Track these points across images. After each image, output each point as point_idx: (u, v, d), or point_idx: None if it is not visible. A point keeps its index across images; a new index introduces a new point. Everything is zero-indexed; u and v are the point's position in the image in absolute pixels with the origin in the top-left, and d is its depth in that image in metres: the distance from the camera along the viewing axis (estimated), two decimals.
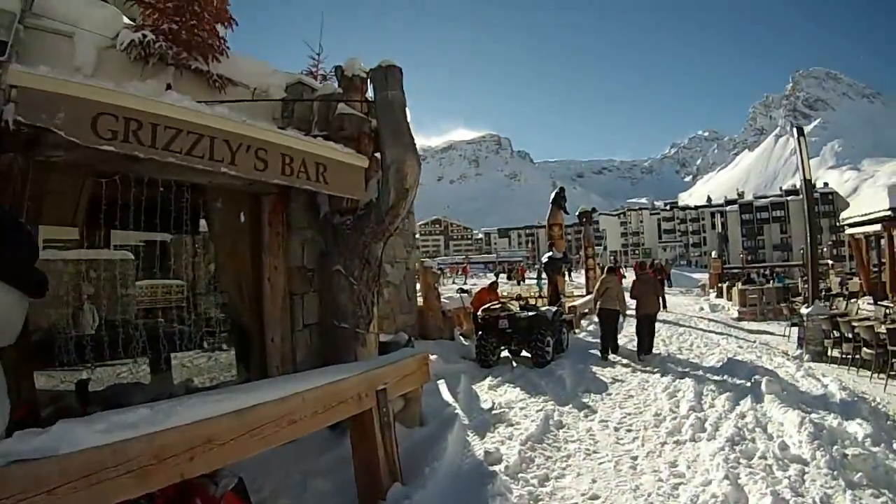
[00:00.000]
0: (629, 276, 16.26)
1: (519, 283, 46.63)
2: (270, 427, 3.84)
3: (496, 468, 6.02)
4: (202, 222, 7.42)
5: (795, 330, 14.88)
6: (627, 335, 14.91)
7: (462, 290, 18.36)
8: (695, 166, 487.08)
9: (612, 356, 12.98)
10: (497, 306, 13.33)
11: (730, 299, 26.62)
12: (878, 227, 16.64)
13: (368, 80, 7.84)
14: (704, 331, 17.96)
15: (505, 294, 22.13)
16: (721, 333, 17.31)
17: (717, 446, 6.35)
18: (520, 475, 5.96)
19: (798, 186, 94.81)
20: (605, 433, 7.44)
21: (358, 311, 7.10)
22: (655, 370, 11.15)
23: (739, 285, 25.87)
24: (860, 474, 5.47)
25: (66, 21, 6.22)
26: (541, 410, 8.29)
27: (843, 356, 12.16)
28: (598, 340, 13.95)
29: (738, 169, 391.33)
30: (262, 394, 3.97)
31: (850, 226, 18.47)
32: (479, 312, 13.26)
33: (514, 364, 12.36)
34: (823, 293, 16.34)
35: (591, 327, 17.54)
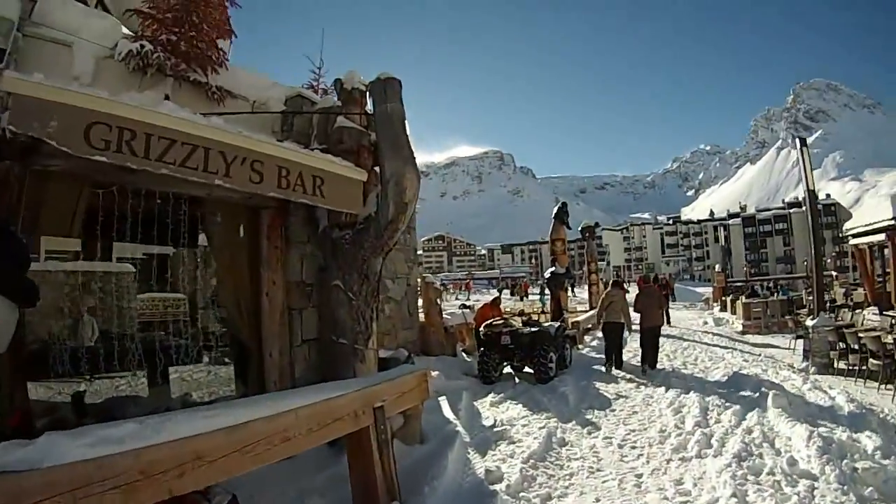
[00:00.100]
0: (633, 291, 16.16)
1: (522, 299, 46.50)
2: (263, 444, 3.75)
3: (497, 487, 5.89)
4: (201, 236, 7.37)
5: (801, 342, 14.75)
6: (631, 350, 14.81)
7: (464, 306, 18.27)
8: (697, 180, 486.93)
9: (616, 371, 12.85)
10: (499, 322, 13.23)
11: (734, 313, 26.44)
12: (881, 236, 16.50)
13: (367, 93, 7.76)
14: (709, 345, 17.84)
15: (508, 310, 22.03)
16: (726, 347, 17.18)
17: (724, 462, 6.20)
18: (521, 494, 5.83)
19: (800, 199, 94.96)
20: (609, 450, 7.26)
21: (357, 327, 7.00)
22: (660, 385, 10.98)
23: (743, 298, 25.67)
24: (871, 489, 5.34)
25: (65, 30, 6.25)
26: (543, 427, 8.12)
27: (850, 367, 11.97)
28: (602, 356, 13.99)
29: (741, 182, 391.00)
30: (254, 410, 3.88)
31: (854, 236, 18.34)
32: (482, 328, 13.15)
33: (517, 380, 12.16)
34: (828, 304, 16.19)
35: (594, 343, 17.43)
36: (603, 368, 13.21)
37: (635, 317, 13.84)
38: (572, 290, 33.70)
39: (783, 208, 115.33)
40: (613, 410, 9.31)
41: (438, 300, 14.98)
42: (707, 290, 45.42)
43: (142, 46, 6.65)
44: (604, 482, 6.18)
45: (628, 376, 12.19)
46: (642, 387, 11.09)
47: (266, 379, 6.96)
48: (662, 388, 10.63)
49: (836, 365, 12.68)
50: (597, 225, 30.38)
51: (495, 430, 8.19)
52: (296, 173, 6.03)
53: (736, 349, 16.76)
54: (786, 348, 16.65)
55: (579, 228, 27.60)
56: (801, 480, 5.62)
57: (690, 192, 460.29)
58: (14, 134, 4.17)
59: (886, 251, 17.07)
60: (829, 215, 74.73)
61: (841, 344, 12.37)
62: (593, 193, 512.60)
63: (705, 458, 6.61)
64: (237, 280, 7.02)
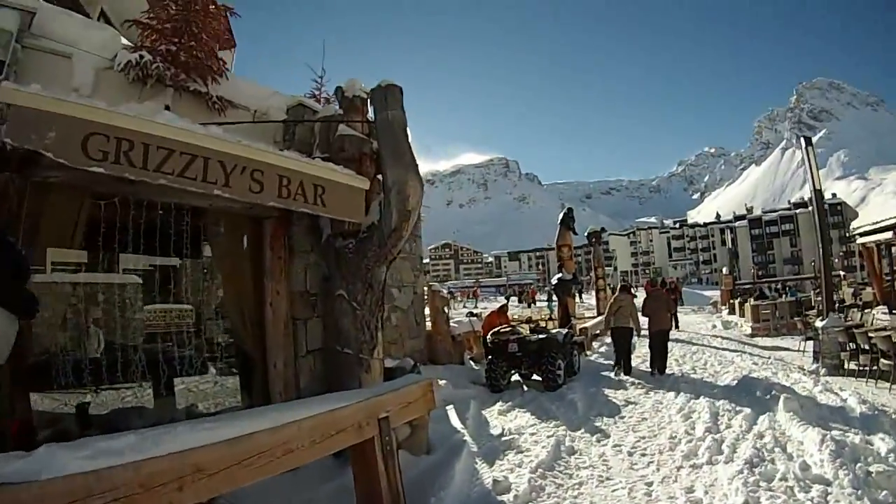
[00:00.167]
0: (640, 296, 16.08)
1: (529, 306, 46.38)
2: (265, 457, 3.68)
3: (505, 498, 5.80)
4: (204, 246, 7.35)
5: (810, 344, 14.66)
6: (640, 355, 14.73)
7: (471, 314, 18.19)
8: (702, 183, 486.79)
9: (625, 377, 12.77)
10: (507, 330, 13.16)
11: (742, 315, 26.28)
12: (889, 234, 16.44)
13: (369, 101, 7.72)
14: (718, 349, 17.74)
15: (515, 317, 21.94)
16: (735, 351, 17.08)
17: (736, 469, 6.06)
18: None
19: (806, 199, 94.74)
20: (619, 458, 7.14)
21: (361, 337, 6.94)
22: (669, 391, 10.85)
23: (752, 301, 25.54)
24: (885, 492, 5.25)
25: (65, 42, 6.31)
26: (552, 436, 8.02)
27: (861, 368, 11.86)
28: (610, 362, 14.13)
29: (746, 184, 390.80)
30: (256, 422, 3.81)
31: (862, 235, 18.28)
32: (489, 336, 13.07)
33: (525, 388, 12.12)
34: (837, 305, 16.08)
35: (602, 349, 17.36)
36: (612, 374, 13.18)
37: (644, 321, 13.83)
38: (580, 297, 33.64)
39: (789, 209, 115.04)
40: (623, 417, 9.19)
41: (445, 308, 14.91)
42: (715, 294, 45.25)
43: (141, 57, 6.67)
44: (613, 491, 6.06)
45: (638, 382, 12.07)
46: (652, 392, 10.96)
47: (271, 390, 6.92)
48: (672, 394, 10.50)
49: (846, 366, 12.58)
50: (603, 230, 30.26)
51: (503, 439, 8.08)
52: (296, 182, 6.00)
53: (745, 352, 16.68)
54: (795, 350, 16.55)
55: (585, 234, 27.54)
56: (815, 486, 5.51)
57: (696, 196, 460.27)
58: (13, 146, 4.15)
59: (894, 249, 16.99)
60: (835, 215, 74.66)
61: (851, 344, 12.26)
62: (599, 199, 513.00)
63: (716, 465, 6.49)
64: (240, 290, 7.00)
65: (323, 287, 7.39)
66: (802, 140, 14.85)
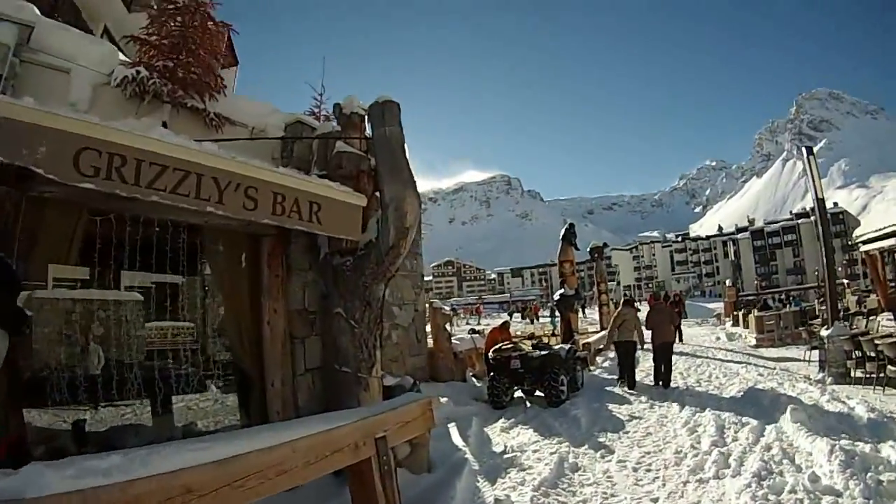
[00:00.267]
0: (643, 310, 15.98)
1: (532, 322, 46.27)
2: (256, 478, 3.58)
3: None
4: (203, 264, 7.31)
5: (816, 353, 14.51)
6: (644, 370, 14.64)
7: (473, 331, 18.10)
8: (704, 196, 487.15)
9: (629, 392, 12.66)
10: (509, 346, 13.05)
11: (746, 327, 26.15)
12: (893, 241, 16.35)
13: (367, 118, 7.68)
14: (723, 360, 17.60)
15: (518, 333, 21.84)
16: (740, 362, 16.93)
17: (744, 483, 5.92)
18: None
19: (808, 209, 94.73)
20: (624, 474, 7.00)
21: (360, 355, 6.86)
22: (674, 404, 10.73)
23: (756, 312, 25.42)
24: None
25: (63, 57, 6.35)
26: (555, 453, 7.88)
27: (867, 376, 11.71)
28: (614, 376, 14.09)
29: (748, 196, 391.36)
30: (249, 442, 3.73)
31: (864, 242, 18.18)
32: (491, 353, 12.98)
33: (528, 404, 11.97)
34: (842, 313, 15.96)
35: (606, 363, 17.26)
36: (616, 389, 13.09)
37: (647, 334, 13.79)
38: (583, 312, 33.53)
39: (791, 220, 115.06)
40: (627, 432, 9.05)
41: (447, 325, 14.84)
42: (718, 306, 45.12)
43: (137, 72, 6.70)
44: None
45: (642, 397, 11.92)
46: (656, 406, 10.82)
47: (269, 409, 6.84)
48: (677, 407, 10.38)
49: (853, 374, 12.42)
50: (605, 245, 30.19)
51: (505, 456, 7.95)
52: (291, 199, 5.95)
53: (750, 364, 16.53)
54: (801, 360, 16.38)
55: (588, 249, 27.48)
56: (825, 497, 5.39)
57: (698, 209, 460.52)
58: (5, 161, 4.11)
59: None
60: (837, 223, 74.61)
61: (857, 352, 12.13)
62: (601, 214, 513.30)
63: (723, 479, 6.34)
64: (238, 308, 6.95)
65: (321, 305, 7.33)
66: (804, 150, 14.82)
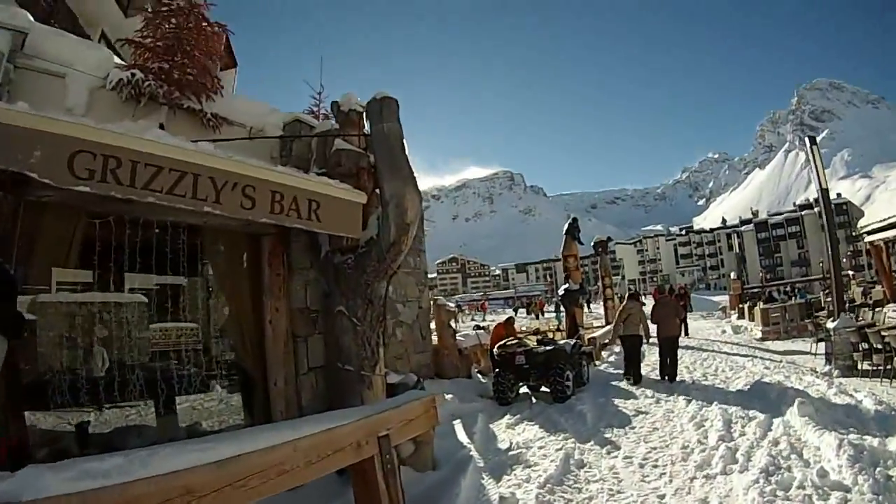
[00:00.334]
0: (648, 304, 15.92)
1: (537, 317, 46.24)
2: (257, 478, 3.58)
3: None
4: (205, 265, 7.28)
5: (822, 345, 14.43)
6: (650, 364, 14.58)
7: (478, 327, 18.04)
8: (707, 189, 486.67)
9: (635, 387, 12.57)
10: (513, 342, 13.03)
11: (752, 320, 26.04)
12: None
13: (365, 115, 7.64)
14: (729, 354, 17.49)
15: (523, 328, 21.77)
16: (746, 355, 16.80)
17: (751, 478, 5.83)
18: None
19: (811, 200, 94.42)
20: (630, 470, 6.93)
21: (362, 353, 6.84)
22: (680, 398, 10.64)
23: (761, 305, 25.31)
24: None
25: (58, 62, 6.35)
26: (560, 449, 7.82)
27: (875, 368, 11.62)
28: (620, 371, 14.04)
29: (751, 188, 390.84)
30: (250, 442, 3.72)
31: (869, 233, 18.05)
32: (496, 349, 12.93)
33: (534, 400, 11.94)
34: (847, 304, 15.85)
35: (612, 358, 17.14)
36: (621, 384, 13.03)
37: (653, 328, 13.77)
38: (588, 306, 33.48)
39: (795, 211, 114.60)
40: (633, 428, 8.98)
41: (451, 322, 14.78)
42: (723, 299, 45.00)
43: (133, 75, 6.68)
44: None
45: (648, 392, 11.84)
46: (662, 401, 10.75)
47: (272, 409, 6.86)
48: (683, 402, 10.29)
49: (860, 366, 12.34)
50: (609, 239, 30.03)
51: (511, 453, 7.91)
52: (290, 197, 5.92)
53: (756, 357, 16.41)
54: (807, 353, 16.29)
55: (592, 244, 27.39)
56: (834, 493, 5.30)
57: (701, 202, 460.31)
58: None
59: None
60: (841, 214, 74.36)
61: (864, 344, 12.05)
62: (604, 208, 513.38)
63: (731, 475, 6.26)
64: (240, 308, 6.97)
65: (323, 303, 7.33)
66: (807, 139, 14.66)
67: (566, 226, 21.21)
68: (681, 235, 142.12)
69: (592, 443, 8.24)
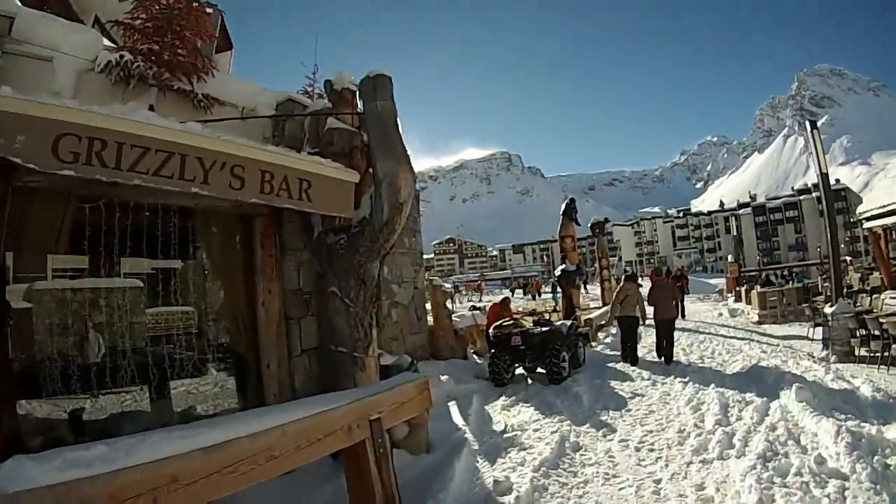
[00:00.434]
0: (646, 285, 15.90)
1: (534, 298, 46.31)
2: (246, 464, 3.52)
3: (506, 499, 5.55)
4: (194, 247, 7.20)
5: (819, 330, 14.37)
6: (647, 345, 14.64)
7: (474, 308, 17.99)
8: (705, 172, 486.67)
9: (631, 368, 12.57)
10: (509, 323, 12.94)
11: (749, 303, 25.98)
12: None
13: (358, 93, 7.53)
14: (725, 337, 17.46)
15: (520, 309, 21.73)
16: (743, 339, 16.78)
17: (748, 464, 5.78)
18: None
19: (809, 185, 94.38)
20: (626, 454, 6.86)
21: (355, 335, 6.78)
22: (677, 381, 10.59)
23: (758, 288, 25.26)
24: None
25: (46, 46, 6.22)
26: (556, 432, 7.76)
27: (872, 354, 11.54)
28: (616, 353, 14.10)
29: (749, 172, 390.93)
30: (237, 427, 3.66)
31: (868, 219, 18.00)
32: (492, 330, 12.88)
33: (529, 381, 11.92)
34: (845, 290, 15.80)
35: (608, 339, 17.15)
36: (618, 365, 13.02)
37: (649, 310, 13.82)
38: (585, 287, 33.46)
39: (793, 196, 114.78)
40: (629, 410, 8.93)
41: (447, 303, 14.74)
42: (720, 282, 45.07)
43: (121, 57, 6.54)
44: (620, 489, 5.81)
45: (644, 374, 11.80)
46: (659, 384, 10.69)
47: (265, 392, 6.80)
48: (680, 385, 10.24)
49: (857, 352, 12.26)
50: (606, 220, 29.96)
51: (506, 435, 7.87)
52: (280, 177, 5.82)
53: (753, 340, 16.39)
54: (804, 337, 16.24)
55: (589, 225, 27.32)
56: (831, 480, 5.23)
57: (699, 185, 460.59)
58: None
59: None
60: (839, 200, 74.35)
61: (861, 330, 11.98)
62: (602, 190, 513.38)
63: (728, 460, 6.20)
64: (233, 291, 6.92)
65: (316, 285, 7.25)
66: (807, 123, 14.52)
67: (563, 206, 21.12)
68: (678, 218, 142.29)
69: (588, 425, 8.20)
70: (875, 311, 13.30)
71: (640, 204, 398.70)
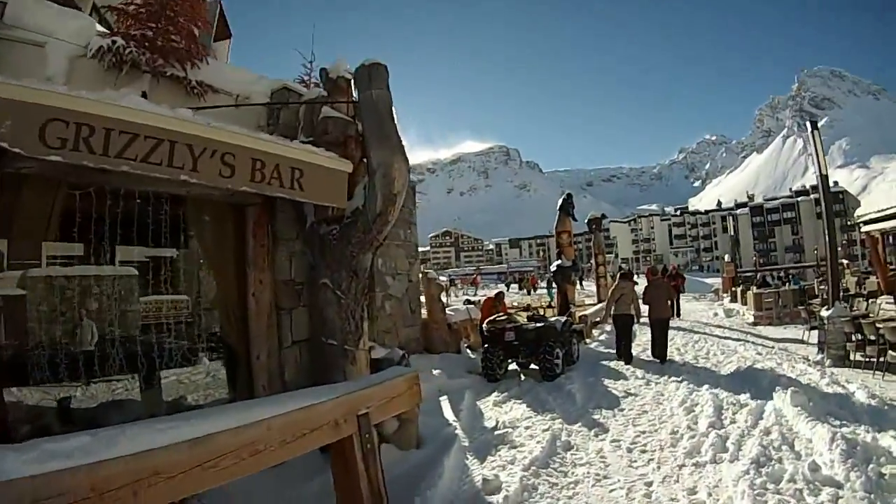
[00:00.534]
0: (641, 283, 15.85)
1: (529, 293, 46.34)
2: (229, 458, 3.43)
3: (494, 499, 5.49)
4: (187, 236, 7.12)
5: (815, 333, 14.32)
6: (641, 344, 14.59)
7: (469, 302, 17.95)
8: (704, 171, 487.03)
9: (625, 367, 12.54)
10: (503, 318, 12.93)
11: (745, 304, 25.96)
12: (895, 222, 16.10)
13: (353, 82, 7.43)
14: (720, 337, 17.44)
15: (514, 304, 21.68)
16: (738, 340, 16.76)
17: (741, 469, 5.70)
18: None
19: (808, 187, 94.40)
20: (617, 455, 6.79)
21: (346, 327, 6.68)
22: (671, 381, 10.53)
23: (754, 289, 25.23)
24: None
25: (39, 31, 6.14)
26: (547, 430, 7.70)
27: (867, 360, 11.49)
28: (610, 350, 14.17)
29: (747, 172, 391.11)
30: (221, 420, 3.56)
31: (866, 223, 17.95)
32: (485, 325, 12.84)
33: (522, 377, 11.91)
34: (841, 294, 15.74)
35: (602, 336, 17.12)
36: (612, 363, 12.98)
37: (644, 309, 13.81)
38: (580, 283, 33.41)
39: (791, 197, 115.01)
40: (622, 410, 8.86)
41: (441, 296, 14.68)
42: (716, 281, 45.18)
43: (113, 42, 6.46)
44: (611, 491, 5.74)
45: (638, 373, 11.76)
46: (652, 383, 10.64)
47: (255, 383, 6.74)
48: (674, 385, 10.18)
49: (852, 357, 12.21)
50: (603, 216, 29.88)
51: (497, 432, 7.81)
52: (272, 165, 5.72)
53: (748, 341, 16.36)
54: (799, 340, 16.20)
55: (586, 220, 27.28)
56: (825, 488, 5.16)
57: (697, 183, 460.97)
58: None
59: None
60: (837, 203, 74.33)
61: (857, 335, 11.93)
62: (600, 186, 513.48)
63: (721, 464, 6.11)
64: (224, 280, 6.84)
65: (308, 276, 7.17)
66: (808, 123, 14.44)
67: (560, 201, 21.08)
68: (675, 216, 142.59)
69: (580, 424, 8.13)
70: (871, 315, 13.23)
71: (637, 201, 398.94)
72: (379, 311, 10.98)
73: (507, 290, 46.03)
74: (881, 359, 10.80)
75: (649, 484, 5.83)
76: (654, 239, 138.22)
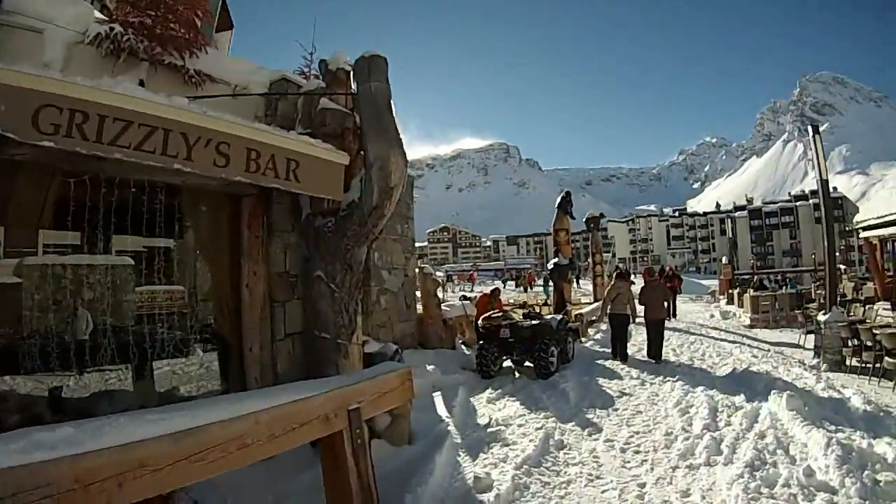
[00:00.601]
0: (638, 283, 15.82)
1: (526, 291, 46.34)
2: (216, 451, 3.38)
3: (485, 497, 5.44)
4: (180, 226, 7.07)
5: (811, 338, 14.32)
6: (636, 344, 14.57)
7: (465, 298, 17.91)
8: (703, 173, 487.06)
9: (620, 367, 12.48)
10: (499, 315, 12.89)
11: (741, 306, 25.99)
12: (894, 229, 16.09)
13: (352, 74, 7.38)
14: (716, 339, 17.41)
15: (510, 301, 21.65)
16: (733, 342, 16.74)
17: (736, 472, 5.64)
18: None
19: (807, 192, 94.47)
20: (611, 455, 6.75)
21: (339, 320, 6.65)
22: (666, 382, 10.48)
23: (751, 292, 25.23)
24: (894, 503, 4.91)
25: (38, 17, 6.05)
26: (541, 428, 7.66)
27: (863, 365, 11.49)
28: (606, 349, 14.09)
29: (747, 175, 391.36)
30: (209, 413, 3.52)
31: (865, 229, 17.94)
32: (480, 321, 12.81)
33: (517, 375, 11.87)
34: (839, 299, 15.72)
35: (598, 335, 17.05)
36: (607, 363, 12.93)
37: (640, 309, 13.75)
38: (577, 282, 33.39)
39: (790, 201, 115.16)
40: (616, 410, 8.81)
41: (437, 292, 14.65)
42: (713, 283, 45.20)
43: (111, 29, 6.38)
44: (603, 492, 5.69)
45: (633, 372, 11.71)
46: (647, 383, 10.58)
47: (247, 375, 6.68)
48: (668, 386, 10.12)
49: (848, 362, 12.22)
50: (601, 215, 29.82)
51: (489, 430, 7.76)
52: (267, 156, 5.67)
53: (744, 344, 16.35)
54: (795, 344, 16.22)
55: (584, 219, 27.23)
56: (819, 494, 5.11)
57: (696, 185, 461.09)
58: None
59: None
60: (836, 208, 74.38)
61: (854, 340, 11.91)
62: (599, 185, 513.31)
63: (715, 467, 6.07)
64: (218, 271, 6.81)
65: (303, 268, 7.12)
66: (810, 127, 14.41)
67: (559, 199, 21.01)
68: (674, 217, 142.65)
69: (574, 423, 8.09)
70: (868, 321, 13.22)
71: (636, 201, 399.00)
72: (374, 305, 10.95)
73: (504, 286, 46.04)
74: (877, 365, 10.80)
75: (642, 485, 5.79)
76: (651, 239, 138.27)
